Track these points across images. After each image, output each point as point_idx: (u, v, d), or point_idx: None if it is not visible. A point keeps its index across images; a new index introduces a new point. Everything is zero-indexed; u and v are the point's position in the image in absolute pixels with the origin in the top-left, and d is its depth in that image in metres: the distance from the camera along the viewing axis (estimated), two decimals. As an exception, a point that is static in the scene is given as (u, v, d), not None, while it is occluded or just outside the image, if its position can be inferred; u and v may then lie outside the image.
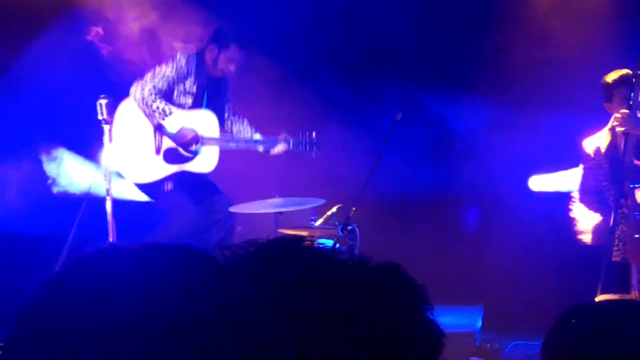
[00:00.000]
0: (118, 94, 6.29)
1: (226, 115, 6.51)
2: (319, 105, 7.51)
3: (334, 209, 6.26)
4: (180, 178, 6.29)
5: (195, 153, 6.27)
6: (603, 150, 5.70)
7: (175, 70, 6.29)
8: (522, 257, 7.34)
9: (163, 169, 6.26)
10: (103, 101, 5.94)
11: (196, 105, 6.35)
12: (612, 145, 5.65)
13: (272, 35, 7.21)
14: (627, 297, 5.12)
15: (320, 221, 6.27)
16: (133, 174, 6.27)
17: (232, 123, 6.53)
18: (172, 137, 6.24)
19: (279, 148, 6.42)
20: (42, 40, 7.16)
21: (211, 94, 6.45)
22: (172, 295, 1.47)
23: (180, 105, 6.30)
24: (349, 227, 5.85)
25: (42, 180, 7.27)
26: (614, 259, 5.44)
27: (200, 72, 6.36)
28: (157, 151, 6.26)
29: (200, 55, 6.38)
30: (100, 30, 7.34)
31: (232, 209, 6.21)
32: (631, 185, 5.35)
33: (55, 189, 7.37)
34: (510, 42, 7.52)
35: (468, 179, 7.56)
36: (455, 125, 7.67)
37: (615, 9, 7.23)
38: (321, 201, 6.18)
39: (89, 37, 7.30)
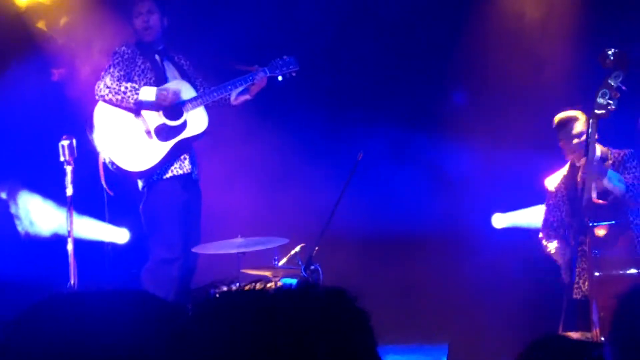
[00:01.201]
0: (80, 135, 6.26)
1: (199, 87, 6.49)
2: (287, 141, 7.56)
3: (297, 249, 6.26)
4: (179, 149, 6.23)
5: (184, 122, 6.24)
6: (564, 187, 5.81)
7: (123, 60, 6.29)
8: (487, 294, 7.37)
9: (162, 148, 6.21)
10: (65, 142, 5.94)
11: (161, 81, 6.33)
12: (572, 182, 5.75)
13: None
14: (588, 335, 5.16)
15: (283, 261, 6.26)
16: (135, 164, 6.19)
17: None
18: (154, 104, 6.19)
19: (259, 79, 6.34)
20: (5, 81, 7.16)
21: (172, 64, 6.44)
22: (127, 344, 1.49)
23: (147, 85, 6.28)
24: (312, 267, 5.86)
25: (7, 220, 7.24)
26: (574, 297, 5.51)
27: (146, 51, 6.36)
28: (149, 134, 6.22)
29: (139, 42, 6.40)
30: (63, 71, 7.37)
31: (195, 250, 6.18)
32: (590, 223, 5.41)
33: (20, 229, 7.34)
34: (474, 83, 7.62)
35: (432, 216, 7.59)
36: (419, 163, 7.71)
37: (568, 54, 7.35)
38: (284, 241, 6.16)
39: (53, 78, 7.31)
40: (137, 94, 6.16)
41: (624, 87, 5.30)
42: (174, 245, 6.19)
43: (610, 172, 5.43)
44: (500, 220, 7.83)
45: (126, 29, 6.61)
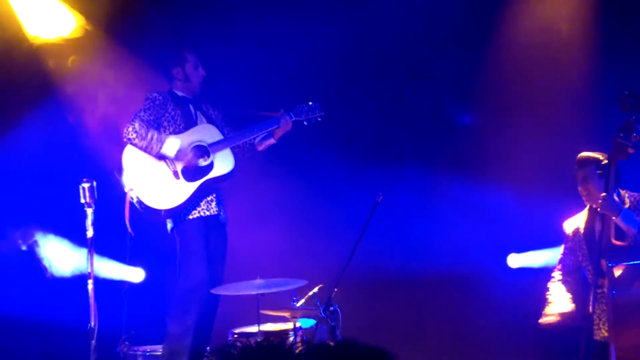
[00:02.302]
0: (100, 177, 6.34)
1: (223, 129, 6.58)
2: (307, 183, 7.64)
3: (315, 289, 6.29)
4: (206, 189, 6.32)
5: (211, 163, 6.33)
6: (582, 231, 5.82)
7: (155, 105, 6.38)
8: (504, 334, 7.38)
9: (188, 187, 6.30)
10: (85, 185, 6.01)
11: (190, 127, 6.42)
12: (590, 226, 5.77)
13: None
14: (608, 376, 5.18)
15: (302, 302, 6.29)
16: (162, 202, 6.27)
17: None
18: (175, 158, 6.28)
19: (284, 123, 6.46)
20: (24, 124, 7.25)
21: (204, 115, 6.54)
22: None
23: (175, 132, 6.36)
24: (331, 308, 5.88)
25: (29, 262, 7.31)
26: (595, 338, 5.51)
27: (179, 102, 6.46)
28: (176, 175, 6.30)
29: (171, 92, 6.50)
30: (81, 114, 7.47)
31: (214, 291, 6.23)
32: (609, 264, 5.43)
33: (42, 271, 7.40)
34: (493, 121, 7.69)
35: (450, 256, 7.63)
36: (437, 204, 7.76)
37: (589, 94, 7.41)
38: (303, 282, 6.20)
39: (72, 121, 7.41)
40: (161, 145, 6.26)
41: None
42: (198, 283, 6.26)
43: (625, 210, 5.46)
44: (515, 261, 7.86)
45: (154, 75, 6.72)
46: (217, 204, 6.41)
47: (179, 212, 6.31)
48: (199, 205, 6.35)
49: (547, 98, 7.51)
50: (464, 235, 7.67)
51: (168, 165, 6.31)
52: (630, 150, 5.31)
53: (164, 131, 6.37)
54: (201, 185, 6.32)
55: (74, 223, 6.56)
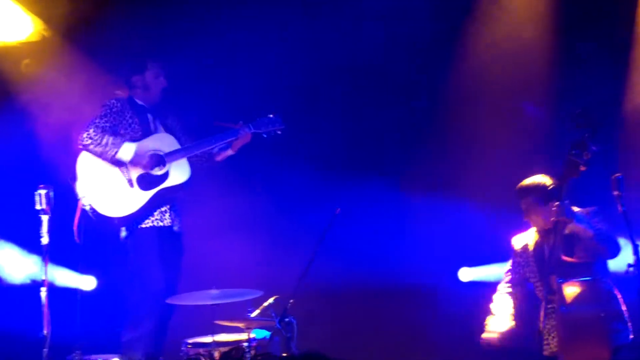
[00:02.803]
0: (57, 184, 6.30)
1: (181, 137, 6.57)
2: (264, 195, 7.66)
3: (270, 300, 6.30)
4: (161, 197, 6.30)
5: (167, 172, 6.31)
6: (531, 247, 5.92)
7: (112, 112, 6.37)
8: (455, 346, 7.47)
9: (142, 196, 6.28)
10: (42, 191, 5.98)
11: (147, 136, 6.40)
12: (540, 243, 5.87)
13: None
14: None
15: (257, 312, 6.29)
16: (115, 210, 6.26)
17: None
18: (130, 162, 6.26)
19: (243, 134, 6.48)
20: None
21: (162, 124, 6.52)
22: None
23: (132, 140, 6.33)
24: (287, 319, 5.90)
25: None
26: (544, 353, 5.62)
27: (138, 109, 6.45)
28: (130, 183, 6.28)
29: (131, 99, 6.48)
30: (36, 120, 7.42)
31: (169, 301, 6.22)
32: (558, 281, 5.53)
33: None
34: (446, 140, 7.79)
35: (403, 269, 7.70)
36: (392, 218, 7.84)
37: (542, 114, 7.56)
38: (258, 293, 6.21)
39: (28, 127, 7.35)
40: (117, 150, 6.24)
41: (594, 148, 5.41)
42: (154, 293, 6.25)
43: (579, 214, 5.57)
44: (467, 274, 7.98)
45: (114, 82, 6.70)
46: (172, 215, 6.41)
47: (132, 221, 6.30)
48: (152, 215, 6.34)
49: (504, 114, 7.62)
50: (418, 249, 7.75)
51: (123, 173, 6.30)
52: (582, 168, 5.42)
53: (121, 138, 6.36)
54: (155, 194, 6.32)
55: (26, 230, 6.53)
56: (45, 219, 5.97)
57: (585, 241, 5.57)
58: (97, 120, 6.34)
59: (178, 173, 6.37)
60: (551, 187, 5.77)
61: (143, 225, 6.32)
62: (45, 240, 5.95)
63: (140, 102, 6.51)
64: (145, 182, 6.30)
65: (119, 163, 6.27)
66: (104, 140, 6.24)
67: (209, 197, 7.58)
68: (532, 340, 5.67)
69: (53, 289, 6.60)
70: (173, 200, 6.46)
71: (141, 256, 6.32)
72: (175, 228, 6.45)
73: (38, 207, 5.98)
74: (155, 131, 6.49)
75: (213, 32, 7.62)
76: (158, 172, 6.32)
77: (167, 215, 6.38)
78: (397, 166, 7.88)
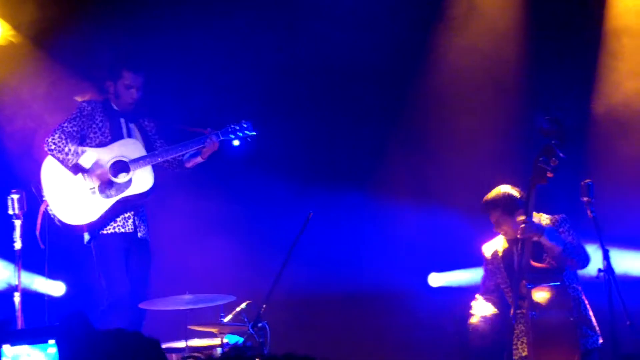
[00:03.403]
0: (28, 189, 6.29)
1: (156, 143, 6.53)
2: (237, 200, 7.67)
3: (243, 305, 6.29)
4: (124, 205, 6.28)
5: (129, 180, 6.27)
6: (500, 254, 5.98)
7: (82, 115, 6.36)
8: (426, 348, 7.53)
9: (104, 204, 6.24)
10: (15, 196, 5.97)
11: (116, 139, 6.38)
12: (509, 250, 5.94)
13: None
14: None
15: (229, 317, 6.30)
16: (76, 217, 6.24)
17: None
18: (91, 170, 6.24)
19: (210, 142, 6.39)
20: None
21: (138, 128, 6.50)
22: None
23: (100, 145, 6.32)
24: (260, 324, 5.90)
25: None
26: (514, 358, 5.69)
27: (111, 114, 6.42)
28: (92, 191, 6.25)
29: (106, 102, 6.47)
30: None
31: (142, 305, 6.22)
32: (528, 286, 5.60)
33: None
34: (415, 144, 7.85)
35: (376, 274, 7.76)
36: (363, 223, 7.89)
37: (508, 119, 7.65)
38: (232, 298, 6.23)
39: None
40: (78, 157, 6.22)
41: (562, 155, 5.49)
42: (119, 298, 6.24)
43: (548, 228, 5.65)
44: (436, 280, 8.06)
45: (83, 83, 6.69)
46: (135, 221, 6.36)
47: (94, 227, 6.28)
48: (114, 221, 6.29)
49: (473, 119, 7.69)
50: (389, 254, 7.82)
51: (85, 180, 6.27)
52: (549, 175, 5.49)
53: (90, 143, 6.33)
54: (117, 202, 6.27)
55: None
56: (17, 223, 5.97)
57: (554, 255, 5.65)
58: (64, 125, 6.33)
59: (141, 181, 6.32)
60: (517, 197, 5.82)
61: (104, 232, 6.29)
62: (18, 245, 5.95)
63: (114, 106, 6.50)
64: (107, 189, 6.27)
65: (81, 170, 6.25)
66: (66, 148, 6.22)
67: (182, 201, 7.59)
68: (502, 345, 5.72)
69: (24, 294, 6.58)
70: (137, 207, 6.41)
71: (104, 262, 6.30)
72: (140, 234, 6.41)
73: (10, 212, 5.98)
74: (128, 135, 6.46)
75: (186, 38, 7.62)
76: (122, 179, 6.27)
77: (130, 222, 6.33)
78: (369, 172, 7.94)
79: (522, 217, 5.60)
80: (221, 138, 6.48)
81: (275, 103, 7.78)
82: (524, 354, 5.68)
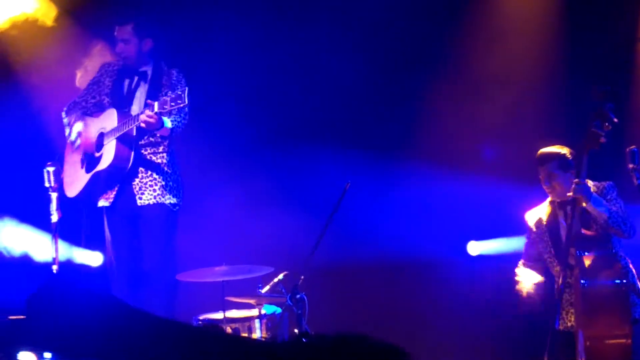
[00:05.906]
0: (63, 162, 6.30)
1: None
2: (274, 169, 7.64)
3: (280, 276, 6.26)
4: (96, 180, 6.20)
5: (101, 155, 6.17)
6: (544, 222, 5.86)
7: (92, 83, 6.37)
8: (467, 321, 7.47)
9: (84, 178, 6.23)
10: (50, 169, 5.93)
11: (121, 103, 6.21)
12: (553, 217, 5.81)
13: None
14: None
15: (266, 288, 6.27)
16: (68, 190, 6.28)
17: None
18: (72, 143, 6.28)
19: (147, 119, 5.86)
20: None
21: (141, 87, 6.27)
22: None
23: (111, 106, 6.22)
24: (298, 296, 5.84)
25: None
26: (559, 328, 5.58)
27: (119, 75, 6.29)
28: (82, 163, 6.26)
29: (117, 64, 6.36)
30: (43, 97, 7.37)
31: (179, 277, 6.18)
32: (578, 253, 5.48)
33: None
34: (453, 113, 7.74)
35: (413, 243, 7.68)
36: (401, 192, 7.80)
37: (552, 85, 7.51)
38: (269, 269, 6.19)
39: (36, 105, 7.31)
40: (70, 131, 6.28)
41: (615, 119, 5.36)
42: (109, 269, 6.31)
43: (595, 196, 5.52)
44: (475, 248, 7.96)
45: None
46: (120, 193, 6.13)
47: (83, 201, 6.30)
48: (99, 195, 6.21)
49: (512, 88, 7.57)
50: (427, 223, 7.72)
51: (83, 150, 6.26)
52: (602, 140, 5.36)
53: (108, 105, 6.22)
54: (93, 176, 6.17)
55: (34, 208, 6.52)
56: (54, 196, 5.93)
57: (600, 224, 5.53)
58: (76, 98, 6.38)
59: (107, 156, 6.12)
60: (571, 156, 5.71)
61: (99, 205, 6.26)
62: (55, 217, 5.92)
63: (121, 67, 6.33)
64: (88, 163, 6.24)
65: (72, 143, 6.30)
66: (65, 120, 6.32)
67: (218, 174, 7.54)
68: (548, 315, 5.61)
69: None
70: (125, 178, 6.13)
71: (104, 233, 6.31)
72: (142, 202, 6.13)
73: (47, 184, 5.95)
74: (129, 94, 6.23)
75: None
76: (97, 153, 6.19)
77: (112, 194, 6.15)
78: (407, 141, 7.83)
79: (576, 180, 5.47)
80: (157, 111, 5.87)
81: (311, 75, 7.69)
82: (570, 324, 5.59)
